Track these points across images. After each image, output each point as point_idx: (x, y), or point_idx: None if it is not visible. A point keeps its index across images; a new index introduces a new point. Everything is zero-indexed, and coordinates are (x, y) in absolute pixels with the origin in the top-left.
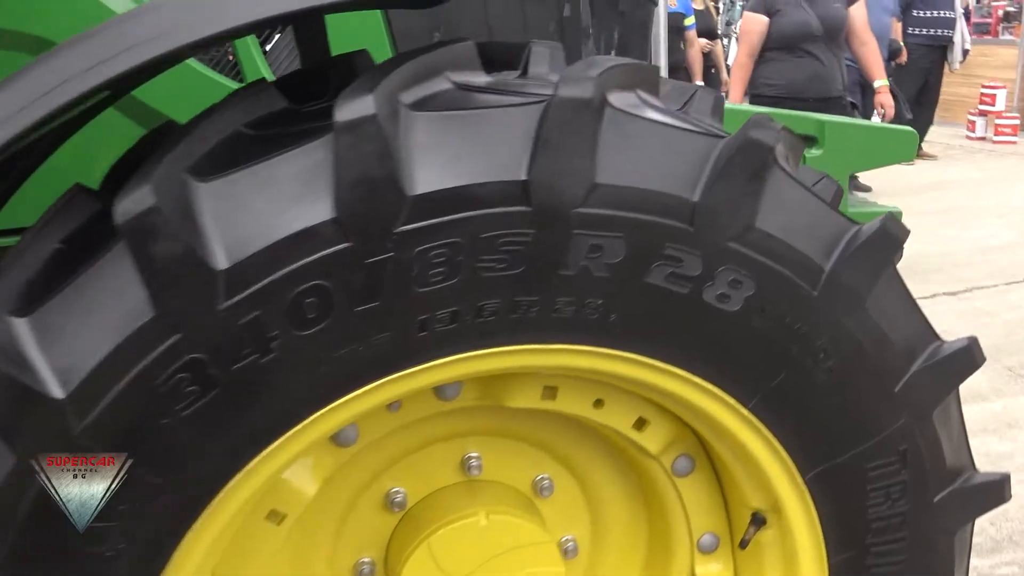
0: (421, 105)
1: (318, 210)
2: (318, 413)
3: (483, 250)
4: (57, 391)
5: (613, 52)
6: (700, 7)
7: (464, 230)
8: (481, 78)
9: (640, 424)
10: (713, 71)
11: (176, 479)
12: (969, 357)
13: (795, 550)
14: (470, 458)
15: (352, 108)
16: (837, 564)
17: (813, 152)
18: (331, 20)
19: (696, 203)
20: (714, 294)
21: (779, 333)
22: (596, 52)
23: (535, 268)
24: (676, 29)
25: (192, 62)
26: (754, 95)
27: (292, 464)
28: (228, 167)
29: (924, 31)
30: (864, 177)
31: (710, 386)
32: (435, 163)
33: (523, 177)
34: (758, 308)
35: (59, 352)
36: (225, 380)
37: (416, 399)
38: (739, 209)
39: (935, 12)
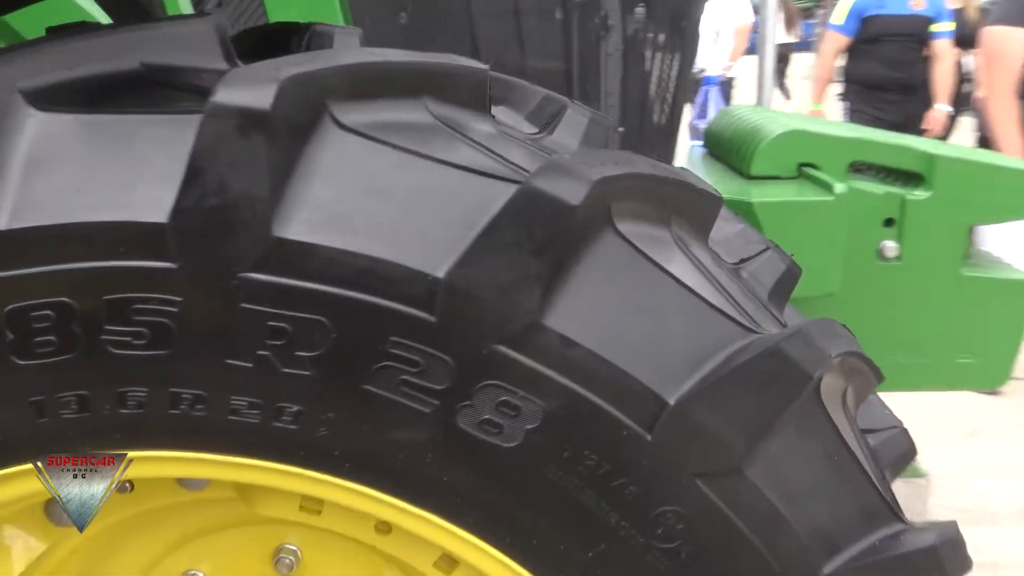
0: (53, 98)
1: None
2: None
3: (110, 318)
4: None
5: (649, 54)
6: (958, 5)
7: (77, 287)
8: (213, 64)
9: (447, 564)
10: (966, 90)
11: None
12: (932, 562)
13: None
14: (283, 550)
15: None
16: None
17: (917, 194)
18: None
19: (441, 281)
20: (475, 420)
21: (587, 491)
22: (623, 49)
23: (189, 351)
24: (917, 39)
25: None
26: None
27: None
28: None
29: None
30: None
31: (489, 548)
32: (44, 187)
33: (163, 220)
34: (551, 448)
35: None
36: None
37: (150, 485)
38: (514, 298)
39: None
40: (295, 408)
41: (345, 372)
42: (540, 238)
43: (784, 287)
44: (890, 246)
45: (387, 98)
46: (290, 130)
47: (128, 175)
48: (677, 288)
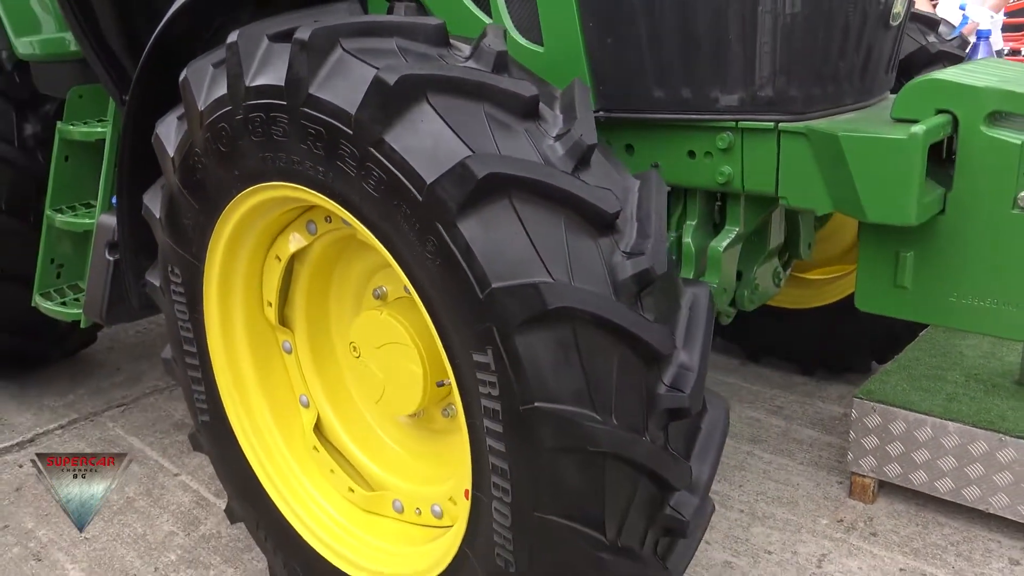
0: (278, 37)
1: (223, 88)
2: (256, 186)
3: (270, 124)
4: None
5: None
6: None
7: (262, 110)
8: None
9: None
10: None
11: (202, 203)
12: (534, 299)
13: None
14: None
15: (231, 36)
16: None
17: None
18: None
19: (353, 116)
20: (369, 183)
21: (403, 224)
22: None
23: (293, 141)
24: None
25: None
26: None
27: (274, 220)
28: None
29: None
30: None
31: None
32: (261, 70)
33: (282, 84)
34: (394, 203)
35: None
36: (227, 153)
37: (336, 219)
38: (373, 126)
39: None
40: (320, 169)
41: (330, 154)
42: (382, 99)
43: (575, 153)
44: None
45: (376, 37)
46: (320, 49)
47: (280, 66)
48: (447, 130)
